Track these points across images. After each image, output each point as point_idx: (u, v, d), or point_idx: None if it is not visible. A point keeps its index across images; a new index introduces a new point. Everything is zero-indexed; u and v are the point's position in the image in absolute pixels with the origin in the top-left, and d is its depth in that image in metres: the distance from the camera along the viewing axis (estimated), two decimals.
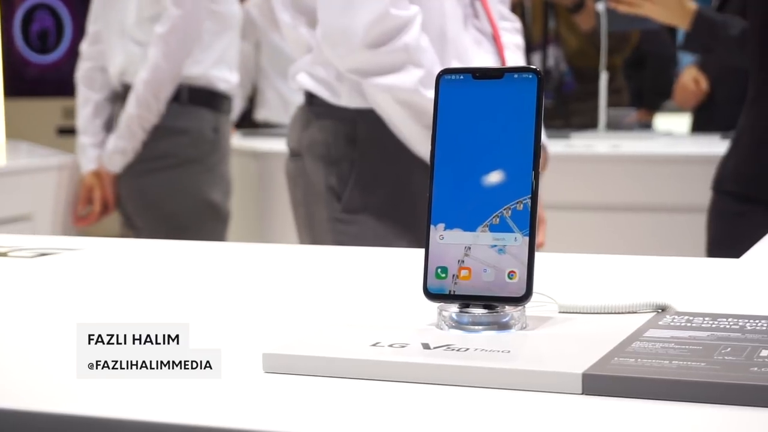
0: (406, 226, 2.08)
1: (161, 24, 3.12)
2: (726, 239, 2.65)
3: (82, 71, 3.36)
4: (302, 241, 2.22)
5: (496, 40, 2.17)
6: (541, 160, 0.90)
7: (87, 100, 3.33)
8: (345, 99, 2.07)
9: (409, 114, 2.02)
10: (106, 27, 3.27)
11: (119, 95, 3.27)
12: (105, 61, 3.29)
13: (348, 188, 2.08)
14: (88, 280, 1.33)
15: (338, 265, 1.43)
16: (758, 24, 2.69)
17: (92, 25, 3.33)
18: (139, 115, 3.17)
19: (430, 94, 1.99)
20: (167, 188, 3.27)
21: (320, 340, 0.88)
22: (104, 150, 3.27)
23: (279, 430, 0.71)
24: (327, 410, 0.75)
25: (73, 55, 7.99)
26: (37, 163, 3.87)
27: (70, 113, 7.14)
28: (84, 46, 3.35)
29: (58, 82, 7.58)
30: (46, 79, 7.57)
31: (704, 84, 4.24)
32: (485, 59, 2.12)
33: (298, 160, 2.17)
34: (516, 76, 0.91)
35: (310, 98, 2.15)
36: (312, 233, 2.18)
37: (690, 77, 4.30)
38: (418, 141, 2.04)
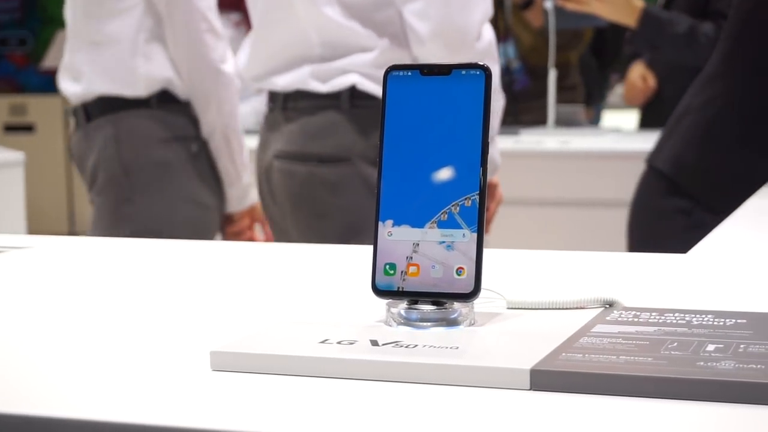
0: None
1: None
2: (647, 236, 2.49)
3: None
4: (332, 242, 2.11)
5: None
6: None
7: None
8: None
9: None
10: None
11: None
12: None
13: None
14: (37, 278, 1.32)
15: (289, 262, 1.43)
16: None
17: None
18: None
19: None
20: None
21: (268, 338, 0.88)
22: None
23: (226, 429, 0.71)
24: (275, 408, 0.75)
25: (24, 52, 7.90)
26: None
27: (17, 110, 7.08)
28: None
29: (5, 79, 7.51)
30: None
31: (652, 81, 4.27)
32: None
33: (344, 166, 2.11)
34: (464, 72, 0.91)
35: (356, 99, 2.11)
36: (359, 236, 2.11)
37: (638, 74, 4.33)
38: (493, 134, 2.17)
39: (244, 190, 2.66)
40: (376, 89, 2.09)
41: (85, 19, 2.59)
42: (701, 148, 2.41)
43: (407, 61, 2.06)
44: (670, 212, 2.39)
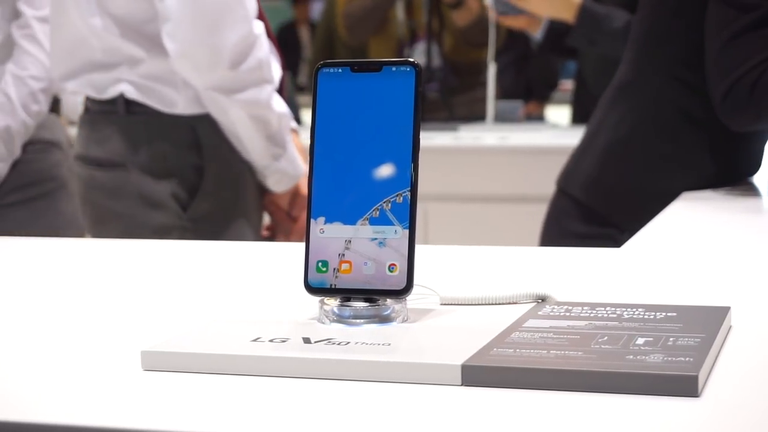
0: (241, 232, 2.10)
1: None
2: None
3: None
4: None
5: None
6: None
7: None
8: (182, 107, 2.06)
9: (257, 127, 2.06)
10: None
11: None
12: None
13: (198, 195, 2.07)
14: None
15: (219, 260, 1.42)
16: None
17: None
18: None
19: (277, 106, 2.06)
20: None
21: (200, 337, 0.87)
22: None
23: (158, 429, 0.70)
24: (207, 407, 0.74)
25: None
26: None
27: None
28: None
29: None
30: None
31: None
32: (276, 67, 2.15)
33: (118, 171, 2.11)
34: (394, 69, 0.91)
35: (133, 107, 2.10)
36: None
37: None
38: (259, 151, 2.08)
39: None
40: (146, 99, 2.09)
41: None
42: (619, 169, 2.12)
43: (173, 71, 2.05)
44: (594, 238, 2.10)
